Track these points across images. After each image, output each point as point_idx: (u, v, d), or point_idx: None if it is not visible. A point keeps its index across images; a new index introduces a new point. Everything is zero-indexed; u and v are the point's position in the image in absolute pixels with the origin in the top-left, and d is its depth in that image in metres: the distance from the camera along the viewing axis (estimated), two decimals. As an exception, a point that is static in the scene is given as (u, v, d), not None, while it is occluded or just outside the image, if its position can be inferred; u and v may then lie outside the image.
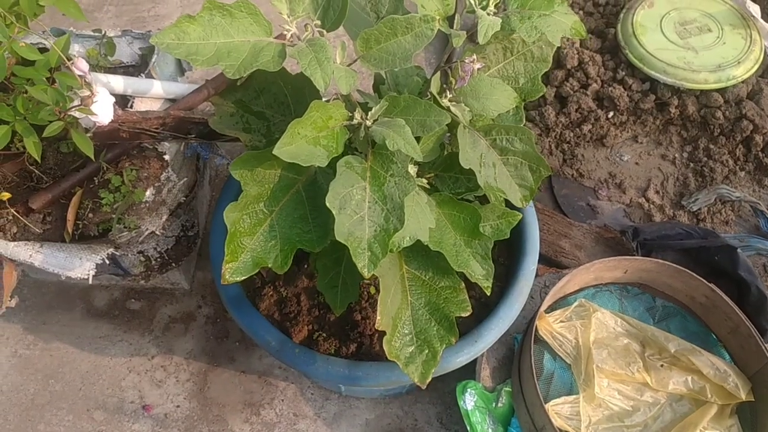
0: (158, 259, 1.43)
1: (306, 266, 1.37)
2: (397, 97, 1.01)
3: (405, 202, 0.97)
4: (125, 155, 1.30)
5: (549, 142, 1.89)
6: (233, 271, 0.99)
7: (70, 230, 1.24)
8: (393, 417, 1.46)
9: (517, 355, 1.37)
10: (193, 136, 1.37)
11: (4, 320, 1.54)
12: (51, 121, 0.96)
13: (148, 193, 1.28)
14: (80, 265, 1.19)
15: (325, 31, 1.00)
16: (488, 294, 1.12)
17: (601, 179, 1.85)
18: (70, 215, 1.24)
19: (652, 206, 1.78)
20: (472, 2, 1.07)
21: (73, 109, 0.92)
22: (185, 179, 1.38)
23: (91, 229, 1.27)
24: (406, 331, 1.09)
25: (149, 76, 1.37)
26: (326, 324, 1.31)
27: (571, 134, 1.89)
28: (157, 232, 1.35)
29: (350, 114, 1.00)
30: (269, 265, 1.01)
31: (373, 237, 0.96)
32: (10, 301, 1.36)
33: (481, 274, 1.10)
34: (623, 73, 1.91)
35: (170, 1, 2.24)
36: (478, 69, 1.07)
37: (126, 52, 1.43)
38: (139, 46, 1.44)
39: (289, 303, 1.34)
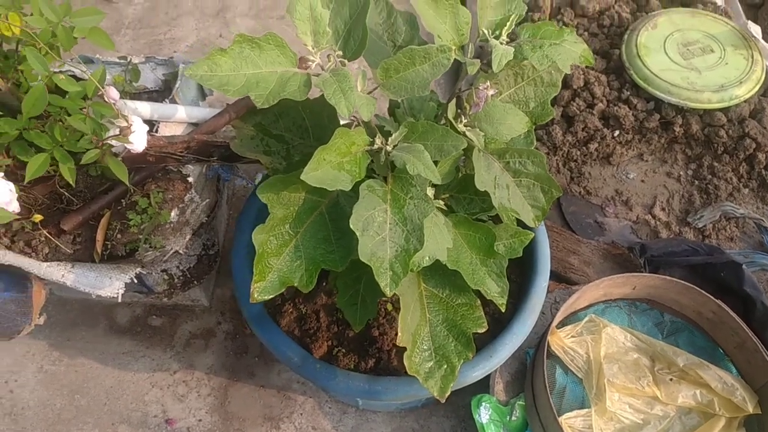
0: (181, 277, 1.48)
1: (324, 284, 1.42)
2: (416, 123, 1.06)
3: (424, 224, 1.02)
4: (151, 178, 1.36)
5: (556, 160, 1.94)
6: (261, 290, 1.04)
7: (99, 250, 1.29)
8: (409, 430, 1.50)
9: (530, 369, 1.41)
10: (215, 158, 1.42)
11: (31, 337, 1.58)
12: (87, 149, 1.01)
13: (172, 214, 1.33)
14: (110, 284, 1.23)
15: (346, 61, 1.05)
16: (503, 311, 1.16)
17: (608, 196, 1.89)
18: (99, 236, 1.29)
19: (658, 223, 1.82)
20: (486, 32, 1.13)
21: (111, 137, 0.97)
22: (207, 200, 1.43)
23: (119, 249, 1.32)
24: (425, 347, 1.13)
25: (173, 101, 1.43)
26: (345, 340, 1.36)
27: (578, 153, 1.94)
28: (181, 252, 1.40)
29: (371, 139, 1.05)
30: (295, 284, 1.05)
31: (395, 257, 1.00)
32: (39, 318, 1.41)
33: (497, 291, 1.14)
34: (628, 93, 1.97)
35: (185, 24, 2.31)
36: (492, 95, 1.12)
37: (150, 77, 1.49)
38: (162, 72, 1.50)
39: (308, 320, 1.38)
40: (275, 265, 1.05)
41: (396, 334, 1.36)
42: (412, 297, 1.16)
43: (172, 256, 1.39)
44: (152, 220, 1.30)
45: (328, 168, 0.98)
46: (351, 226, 0.99)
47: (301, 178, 0.95)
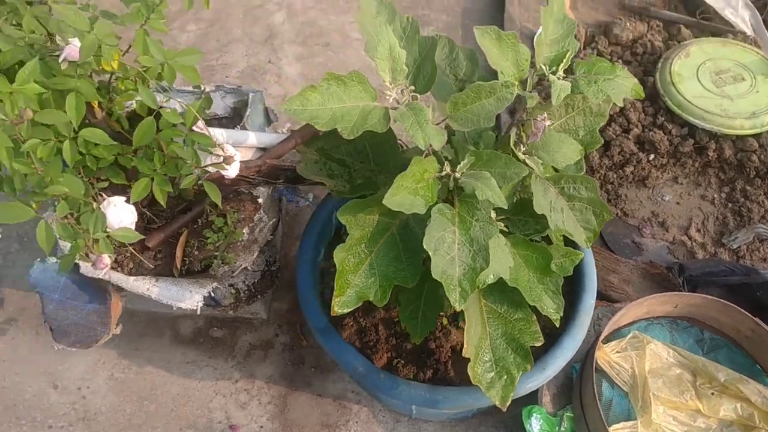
0: (246, 292, 1.58)
1: (382, 299, 1.50)
2: (480, 152, 1.16)
3: (489, 244, 1.11)
4: (224, 199, 1.46)
5: (594, 183, 2.02)
6: (341, 304, 1.13)
7: (178, 266, 1.39)
8: (459, 439, 1.58)
9: (578, 382, 1.49)
10: (281, 180, 1.53)
11: (102, 346, 1.67)
12: (184, 174, 1.11)
13: (244, 232, 1.43)
14: (190, 297, 1.33)
15: (418, 95, 1.15)
16: (557, 326, 1.25)
17: (645, 218, 1.97)
18: (179, 253, 1.39)
19: (694, 244, 1.90)
20: (544, 68, 1.22)
21: (210, 164, 1.07)
22: (273, 220, 1.53)
23: (195, 265, 1.42)
24: (486, 359, 1.21)
25: (243, 127, 1.53)
26: (403, 352, 1.44)
27: (615, 175, 2.02)
28: (249, 267, 1.50)
29: (440, 167, 1.15)
30: (370, 299, 1.15)
31: (463, 275, 1.09)
32: (116, 328, 1.51)
33: (553, 307, 1.23)
34: (662, 118, 2.05)
35: (236, 51, 2.43)
36: (548, 125, 1.22)
37: (219, 105, 1.60)
38: (231, 100, 1.61)
39: (368, 332, 1.47)
40: (353, 281, 1.15)
41: (451, 347, 1.46)
42: (474, 312, 1.24)
43: (241, 271, 1.49)
44: (227, 239, 1.40)
45: (405, 193, 1.07)
46: (424, 246, 1.08)
47: (383, 202, 1.04)
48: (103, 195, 1.02)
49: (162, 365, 1.68)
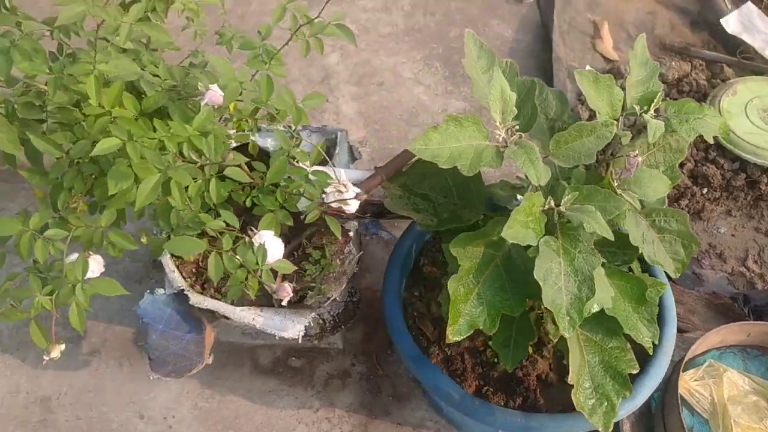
0: (331, 322, 1.63)
1: (466, 328, 1.56)
2: (581, 186, 1.22)
3: (594, 275, 1.16)
4: (318, 233, 1.52)
5: (650, 216, 2.08)
6: (454, 332, 1.19)
7: (279, 297, 1.45)
8: (538, 467, 1.61)
9: (659, 410, 1.53)
10: (368, 215, 1.59)
11: (185, 376, 1.73)
12: (306, 210, 1.18)
13: (337, 263, 1.49)
14: (292, 326, 1.39)
15: (521, 133, 1.22)
16: (650, 354, 1.30)
17: (703, 250, 2.03)
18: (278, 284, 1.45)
19: (753, 275, 1.95)
20: (636, 108, 1.30)
21: (335, 200, 1.14)
22: (361, 252, 1.59)
23: (292, 296, 1.48)
24: (586, 386, 1.26)
25: (332, 165, 1.60)
26: (491, 380, 1.49)
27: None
28: (337, 298, 1.56)
29: (544, 201, 1.21)
30: (480, 327, 1.20)
31: (570, 304, 1.15)
32: (209, 357, 1.56)
33: (648, 335, 1.28)
34: (714, 153, 2.13)
35: (295, 90, 2.50)
36: (640, 162, 1.28)
37: (306, 144, 1.67)
38: (316, 139, 1.68)
39: (454, 361, 1.52)
40: (464, 310, 1.20)
41: (537, 376, 1.51)
42: (573, 340, 1.29)
43: (330, 302, 1.55)
44: (324, 270, 1.46)
45: (518, 227, 1.13)
46: (535, 276, 1.14)
47: (502, 235, 1.10)
48: (253, 229, 1.08)
49: (244, 394, 1.72)
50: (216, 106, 1.09)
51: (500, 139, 1.18)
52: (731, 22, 2.53)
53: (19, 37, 0.97)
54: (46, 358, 1.02)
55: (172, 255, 1.40)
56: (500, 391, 1.46)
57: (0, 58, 0.94)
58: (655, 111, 1.29)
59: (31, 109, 0.98)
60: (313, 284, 1.46)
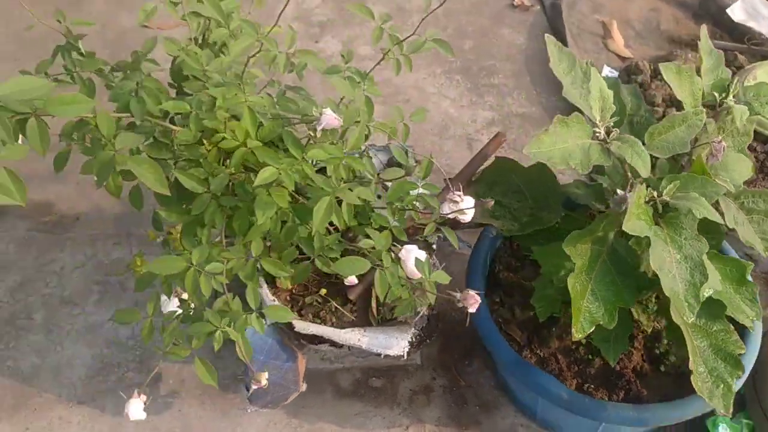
0: (417, 337, 1.63)
1: (554, 329, 1.57)
2: (678, 175, 1.26)
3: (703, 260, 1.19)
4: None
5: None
6: (579, 329, 1.20)
7: (376, 315, 1.45)
8: (636, 458, 1.63)
9: (750, 387, 1.56)
10: (445, 226, 1.61)
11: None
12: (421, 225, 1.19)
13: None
14: (397, 344, 1.39)
15: (617, 129, 1.25)
16: (752, 332, 1.34)
17: (749, 231, 2.08)
18: (374, 302, 1.45)
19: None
20: (716, 95, 1.34)
21: (452, 213, 1.16)
22: (444, 264, 1.60)
23: (386, 313, 1.48)
24: (701, 370, 1.28)
25: (402, 180, 1.62)
26: (588, 377, 1.50)
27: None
28: (426, 313, 1.56)
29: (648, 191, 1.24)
30: (601, 323, 1.22)
31: (686, 291, 1.17)
32: (303, 385, 1.55)
33: (751, 315, 1.32)
34: (745, 137, 2.19)
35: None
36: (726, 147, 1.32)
37: (376, 163, 1.69)
38: (380, 158, 1.70)
39: (549, 362, 1.53)
40: (583, 306, 1.22)
41: (632, 368, 1.52)
42: (681, 328, 1.32)
43: (420, 317, 1.55)
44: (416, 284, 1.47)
45: (635, 219, 1.16)
46: (652, 266, 1.16)
47: (623, 228, 1.13)
48: (397, 245, 1.09)
49: (332, 420, 1.71)
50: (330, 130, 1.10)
51: (600, 137, 1.21)
52: (736, 11, 2.62)
53: (143, 78, 0.97)
54: (254, 387, 1.01)
55: (268, 284, 1.39)
56: (601, 387, 1.48)
57: (132, 101, 0.94)
58: (736, 96, 1.34)
59: (160, 149, 0.98)
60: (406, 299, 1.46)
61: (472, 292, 0.98)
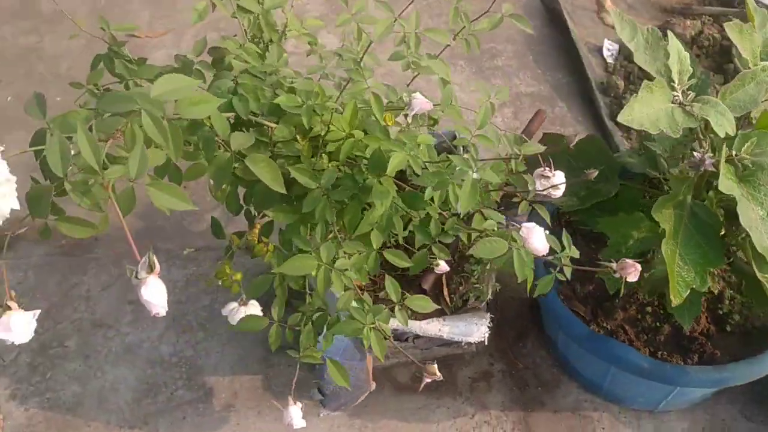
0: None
1: (618, 300, 1.57)
2: (750, 132, 1.26)
3: (783, 214, 1.20)
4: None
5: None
6: (676, 294, 1.19)
7: (449, 303, 1.41)
8: (703, 422, 1.64)
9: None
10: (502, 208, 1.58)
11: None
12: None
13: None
14: (477, 330, 1.36)
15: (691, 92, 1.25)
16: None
17: None
18: (446, 291, 1.42)
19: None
20: (771, 53, 1.35)
21: (545, 190, 1.13)
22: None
23: (457, 301, 1.45)
24: (785, 324, 1.29)
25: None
26: (659, 344, 1.50)
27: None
28: (490, 298, 1.53)
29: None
30: (694, 287, 1.21)
31: (774, 246, 1.17)
32: (372, 384, 1.50)
33: (825, 266, 1.33)
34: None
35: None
36: (787, 104, 1.33)
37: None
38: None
39: (617, 334, 1.52)
40: (675, 271, 1.21)
41: (701, 330, 1.53)
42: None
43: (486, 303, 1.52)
44: (485, 271, 1.44)
45: (725, 179, 1.15)
46: (743, 225, 1.16)
47: (719, 188, 1.12)
48: (513, 223, 1.05)
49: (396, 416, 1.67)
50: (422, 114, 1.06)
51: (678, 101, 1.20)
52: (725, -24, 2.67)
53: (237, 76, 0.91)
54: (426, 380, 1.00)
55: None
56: (675, 353, 1.48)
57: (234, 99, 0.88)
58: (782, 55, 1.35)
59: (259, 148, 0.92)
60: (477, 285, 1.43)
61: (630, 261, 0.96)
